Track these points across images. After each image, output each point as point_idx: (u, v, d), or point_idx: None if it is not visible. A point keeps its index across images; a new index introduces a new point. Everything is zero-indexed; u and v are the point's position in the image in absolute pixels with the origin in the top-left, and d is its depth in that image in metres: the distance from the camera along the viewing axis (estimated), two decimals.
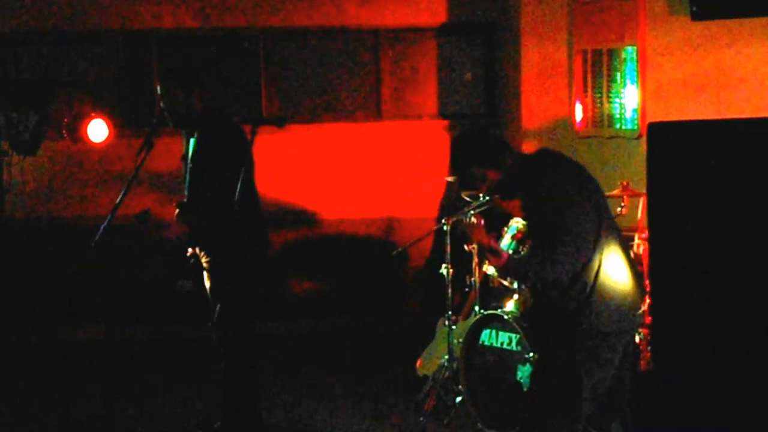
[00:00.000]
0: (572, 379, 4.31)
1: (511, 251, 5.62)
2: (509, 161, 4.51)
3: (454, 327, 6.29)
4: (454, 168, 4.70)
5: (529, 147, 7.67)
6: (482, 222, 4.48)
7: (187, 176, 5.65)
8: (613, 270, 4.35)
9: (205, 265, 5.68)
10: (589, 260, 4.30)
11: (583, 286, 4.31)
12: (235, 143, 5.45)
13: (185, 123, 5.63)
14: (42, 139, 8.10)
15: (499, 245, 4.46)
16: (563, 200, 4.30)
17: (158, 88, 5.65)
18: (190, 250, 5.72)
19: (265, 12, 8.90)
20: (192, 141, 5.60)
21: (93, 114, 7.91)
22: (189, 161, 5.61)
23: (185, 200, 5.68)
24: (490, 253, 4.36)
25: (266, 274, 5.87)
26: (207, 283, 5.71)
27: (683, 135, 3.18)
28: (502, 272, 4.51)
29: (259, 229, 5.72)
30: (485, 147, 4.57)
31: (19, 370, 7.74)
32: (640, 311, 4.51)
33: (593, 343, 4.32)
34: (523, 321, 5.74)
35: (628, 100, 7.75)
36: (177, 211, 5.64)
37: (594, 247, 4.31)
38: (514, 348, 5.74)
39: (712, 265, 3.01)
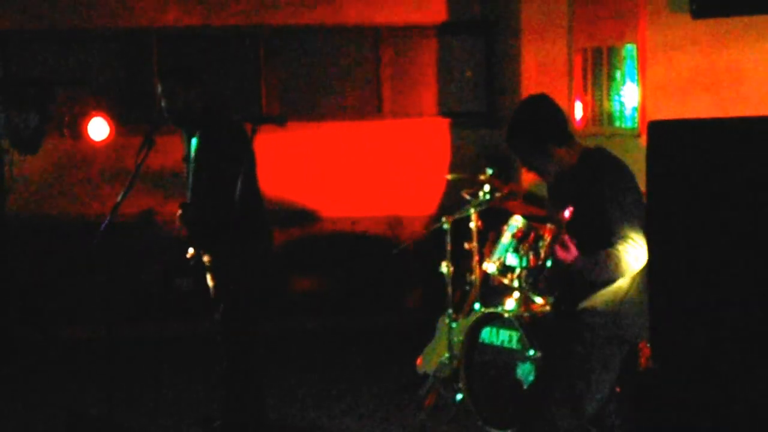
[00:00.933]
0: (582, 383, 4.29)
1: (511, 249, 5.62)
2: (558, 150, 4.38)
3: (454, 325, 6.30)
4: (526, 142, 4.44)
5: None
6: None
7: (190, 177, 5.66)
8: (644, 277, 4.34)
9: (207, 264, 5.69)
10: (642, 264, 4.28)
11: (616, 293, 4.29)
12: (235, 142, 5.46)
13: (185, 121, 5.64)
14: (43, 137, 8.10)
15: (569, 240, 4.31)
16: (628, 201, 4.26)
17: (158, 87, 5.65)
18: (191, 250, 5.73)
19: (265, 10, 8.91)
20: (194, 141, 5.61)
21: (94, 112, 7.91)
22: (191, 161, 5.62)
23: (188, 201, 5.69)
24: (561, 247, 4.25)
25: (269, 273, 5.88)
26: (210, 283, 5.71)
27: (683, 133, 3.18)
28: (569, 268, 4.35)
29: (262, 228, 5.72)
30: (564, 123, 4.41)
31: (20, 369, 7.74)
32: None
33: (610, 350, 4.31)
34: (525, 320, 5.75)
35: (628, 98, 7.76)
36: (179, 212, 5.65)
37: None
38: (515, 346, 5.74)
39: (712, 264, 3.01)
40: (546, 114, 4.47)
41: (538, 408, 4.47)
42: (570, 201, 4.39)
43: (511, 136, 4.49)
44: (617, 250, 4.22)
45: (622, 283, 4.32)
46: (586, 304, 4.33)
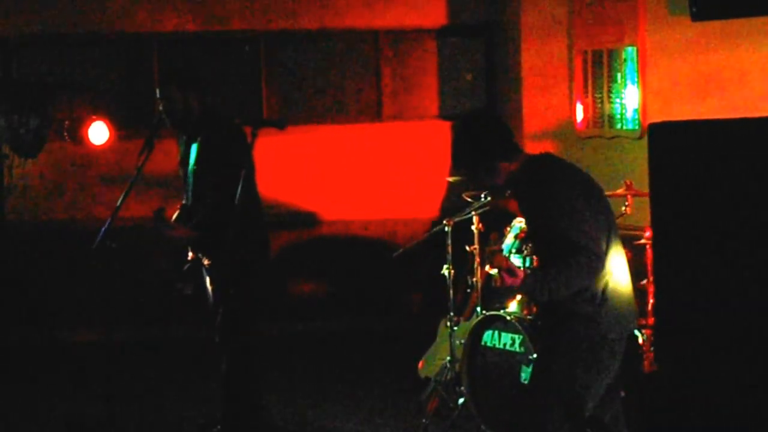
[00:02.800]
0: (574, 388, 4.27)
1: (514, 250, 5.61)
2: (504, 165, 4.30)
3: (456, 328, 6.28)
4: (470, 160, 4.37)
5: (530, 148, 7.61)
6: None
7: (190, 180, 5.65)
8: (620, 276, 4.30)
9: (207, 267, 5.68)
10: (601, 270, 4.21)
11: (593, 295, 4.23)
12: (235, 145, 5.45)
13: (184, 125, 5.63)
14: (43, 141, 8.10)
15: (514, 265, 4.30)
16: (576, 210, 4.15)
17: (157, 91, 5.65)
18: (190, 254, 5.72)
19: (265, 14, 8.91)
20: (194, 146, 5.60)
21: (94, 116, 7.91)
22: (192, 165, 5.61)
23: (188, 204, 5.69)
24: (506, 272, 4.22)
25: (268, 276, 5.87)
26: (209, 286, 5.70)
27: (684, 135, 3.18)
28: (520, 291, 4.31)
29: (261, 231, 5.72)
30: (507, 137, 4.35)
31: (21, 372, 7.74)
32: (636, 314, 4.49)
33: (598, 351, 4.28)
34: (527, 322, 5.74)
35: (628, 100, 7.76)
36: (177, 213, 5.65)
37: (605, 256, 4.21)
38: (517, 349, 5.73)
39: (714, 265, 3.01)
40: (485, 130, 4.40)
41: (531, 412, 4.44)
42: (524, 215, 4.36)
43: (456, 160, 4.43)
44: (568, 265, 4.10)
45: (593, 287, 4.25)
46: (565, 310, 4.28)
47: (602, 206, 4.31)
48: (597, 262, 4.16)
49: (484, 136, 4.36)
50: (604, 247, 4.20)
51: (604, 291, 4.22)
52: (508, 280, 4.21)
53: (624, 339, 4.36)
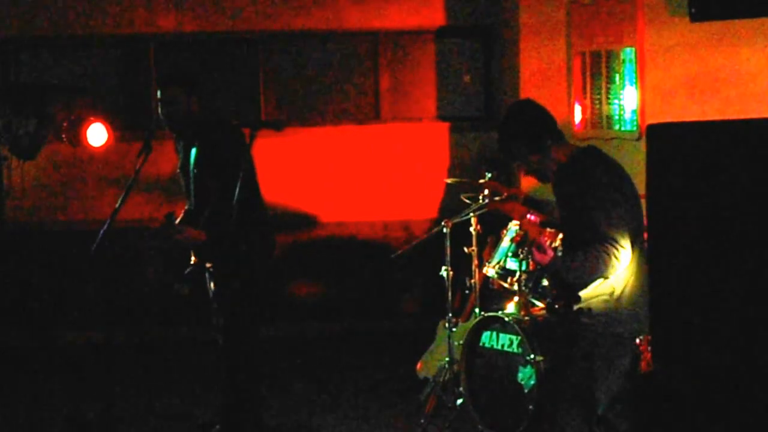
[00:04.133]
0: (588, 387, 4.30)
1: (510, 253, 5.62)
2: (555, 151, 4.48)
3: (454, 329, 6.29)
4: (502, 138, 4.60)
5: None
6: (536, 220, 4.48)
7: (191, 184, 5.64)
8: (640, 278, 4.35)
9: (209, 269, 5.68)
10: (624, 264, 4.32)
11: (612, 291, 4.31)
12: (234, 147, 5.45)
13: (183, 127, 5.63)
14: (42, 143, 8.10)
15: (546, 242, 4.39)
16: (612, 202, 4.30)
17: (158, 94, 5.64)
18: (193, 258, 5.72)
19: (263, 16, 8.91)
20: (193, 150, 5.59)
21: (92, 118, 7.91)
22: (192, 168, 5.60)
23: (191, 208, 5.68)
24: (537, 249, 4.33)
25: (270, 277, 5.87)
26: (211, 288, 5.70)
27: (683, 136, 3.18)
28: (547, 269, 4.43)
29: (264, 232, 5.71)
30: (541, 128, 4.52)
31: (20, 374, 7.74)
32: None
33: (612, 350, 4.31)
34: (526, 324, 5.74)
35: (627, 101, 7.76)
36: (181, 218, 5.65)
37: (630, 252, 4.31)
38: (515, 350, 5.73)
39: (712, 266, 3.01)
40: (537, 114, 4.58)
41: (546, 414, 4.46)
42: (562, 201, 4.45)
43: (507, 141, 4.54)
44: (596, 251, 4.25)
45: (614, 283, 4.33)
46: (582, 305, 4.35)
47: (637, 207, 4.42)
48: (622, 254, 4.28)
49: (538, 118, 4.56)
50: (630, 243, 4.29)
51: (623, 289, 4.30)
52: (537, 256, 4.32)
53: (634, 338, 4.39)
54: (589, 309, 4.34)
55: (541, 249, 4.29)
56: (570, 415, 4.32)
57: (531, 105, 4.68)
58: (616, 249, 4.25)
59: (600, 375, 4.31)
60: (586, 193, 4.33)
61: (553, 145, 4.49)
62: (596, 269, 4.25)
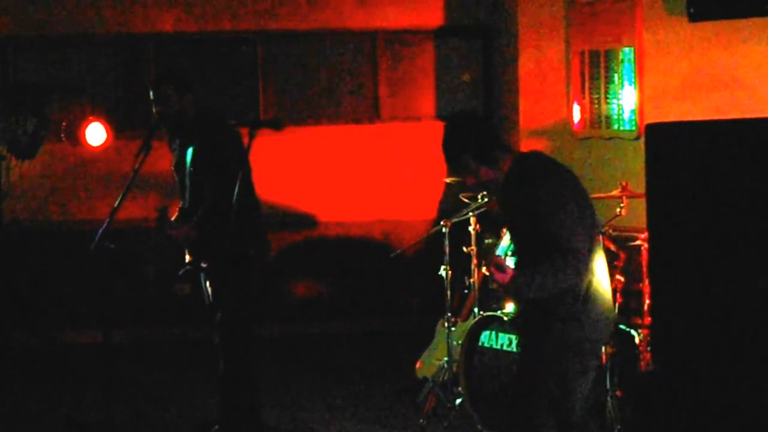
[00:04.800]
0: (560, 389, 4.28)
1: (510, 252, 5.62)
2: (502, 161, 4.32)
3: (453, 328, 6.29)
4: (444, 149, 4.45)
5: (527, 149, 7.66)
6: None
7: (187, 183, 5.64)
8: (601, 276, 4.30)
9: (205, 269, 5.68)
10: (586, 271, 4.21)
11: (576, 295, 4.22)
12: (231, 147, 5.45)
13: (178, 127, 5.63)
14: (40, 142, 8.10)
15: (504, 262, 4.23)
16: (566, 211, 4.16)
17: (151, 93, 5.64)
18: (188, 256, 5.72)
19: (262, 15, 8.91)
20: (190, 149, 5.60)
21: (91, 117, 7.91)
22: (189, 168, 5.61)
23: (186, 207, 5.69)
24: (497, 269, 4.14)
25: (266, 277, 5.87)
26: (208, 287, 5.70)
27: (681, 136, 3.19)
28: (507, 289, 4.23)
29: (259, 232, 5.71)
30: (482, 139, 4.35)
31: (19, 374, 7.73)
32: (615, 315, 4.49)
33: (582, 352, 4.28)
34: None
35: (625, 101, 7.76)
36: (175, 216, 5.65)
37: (589, 256, 4.22)
38: (514, 349, 5.73)
39: (710, 266, 3.01)
40: (484, 127, 4.45)
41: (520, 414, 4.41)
42: (512, 210, 4.34)
43: (456, 154, 4.42)
44: (557, 264, 4.11)
45: (579, 287, 4.24)
46: (548, 310, 4.27)
47: (588, 205, 4.32)
48: (584, 263, 4.18)
49: (477, 130, 4.39)
50: (589, 247, 4.22)
51: (587, 291, 4.23)
52: (498, 276, 4.13)
53: (602, 340, 4.37)
54: (555, 313, 4.24)
55: (501, 268, 4.12)
56: (546, 421, 4.30)
57: (475, 118, 4.59)
58: (577, 259, 4.13)
59: (575, 380, 4.28)
60: (538, 202, 4.17)
61: (500, 157, 4.33)
62: (558, 283, 4.12)
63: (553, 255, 4.10)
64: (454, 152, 4.41)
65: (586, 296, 4.22)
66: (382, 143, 9.05)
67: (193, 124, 5.59)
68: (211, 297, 5.71)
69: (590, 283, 4.24)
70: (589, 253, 4.21)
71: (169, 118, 5.57)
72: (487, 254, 4.18)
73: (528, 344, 4.43)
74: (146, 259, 8.57)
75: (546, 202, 4.17)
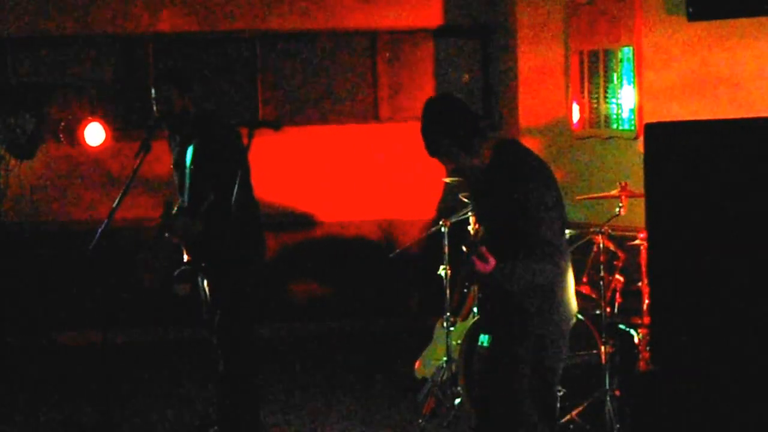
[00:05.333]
0: (544, 379, 4.31)
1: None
2: (482, 149, 4.28)
3: (452, 328, 6.29)
4: (423, 133, 4.44)
5: None
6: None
7: (187, 182, 5.64)
8: (568, 272, 4.33)
9: (203, 269, 5.67)
10: (563, 264, 4.25)
11: (543, 288, 4.22)
12: (230, 146, 5.45)
13: (179, 126, 5.63)
14: (39, 142, 8.10)
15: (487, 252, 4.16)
16: (548, 206, 4.17)
17: (153, 91, 5.64)
18: (186, 256, 5.71)
19: (261, 15, 8.90)
20: (190, 148, 5.59)
21: (90, 117, 7.91)
22: (189, 167, 5.60)
23: (185, 206, 5.68)
24: (479, 258, 4.07)
25: (264, 277, 5.87)
26: (206, 288, 5.70)
27: (680, 135, 3.18)
28: (487, 278, 4.16)
29: (257, 232, 5.71)
30: (462, 124, 4.31)
31: (18, 374, 7.73)
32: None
33: (556, 340, 4.29)
34: None
35: (624, 100, 7.76)
36: (175, 213, 5.64)
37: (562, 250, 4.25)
38: None
39: (709, 265, 3.01)
40: (464, 111, 4.39)
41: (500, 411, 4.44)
42: (489, 201, 4.30)
43: (434, 137, 4.40)
44: (535, 259, 4.11)
45: (550, 285, 4.25)
46: (515, 305, 4.27)
47: (560, 198, 4.32)
48: (564, 258, 4.22)
49: (457, 115, 4.35)
50: (564, 241, 4.26)
51: (555, 282, 4.23)
52: (479, 266, 4.07)
53: (570, 327, 4.38)
54: (524, 310, 4.25)
55: (483, 258, 4.04)
56: (531, 410, 4.31)
57: (455, 101, 4.48)
58: (558, 254, 4.16)
59: (553, 368, 4.30)
60: (528, 195, 4.15)
61: (480, 144, 4.30)
62: (537, 277, 4.13)
63: (535, 249, 4.10)
64: (434, 136, 4.39)
65: (553, 288, 4.24)
66: (382, 143, 9.05)
67: (193, 124, 5.59)
68: (209, 297, 5.71)
69: (561, 275, 4.26)
70: (562, 246, 4.25)
71: (170, 118, 5.57)
72: (471, 243, 4.07)
73: (501, 340, 4.39)
74: (156, 267, 8.56)
75: (535, 197, 4.15)
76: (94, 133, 7.88)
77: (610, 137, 7.83)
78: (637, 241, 6.04)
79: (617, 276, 5.96)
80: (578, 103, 8.14)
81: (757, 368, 2.94)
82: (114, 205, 5.16)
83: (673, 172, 3.14)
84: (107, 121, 8.00)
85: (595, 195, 6.32)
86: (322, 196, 8.98)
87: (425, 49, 9.19)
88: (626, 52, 7.70)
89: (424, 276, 7.72)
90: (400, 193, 8.98)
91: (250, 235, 5.58)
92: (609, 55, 7.87)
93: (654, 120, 3.36)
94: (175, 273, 5.73)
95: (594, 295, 5.87)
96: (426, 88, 9.20)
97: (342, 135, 9.05)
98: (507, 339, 4.33)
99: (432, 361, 6.48)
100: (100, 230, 5.06)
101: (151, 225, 5.63)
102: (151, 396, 7.02)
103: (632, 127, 7.65)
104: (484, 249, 4.07)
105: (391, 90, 9.18)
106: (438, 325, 6.57)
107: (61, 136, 7.94)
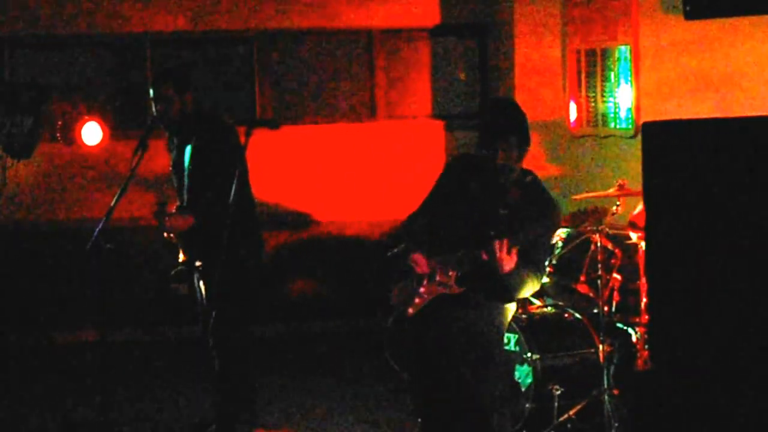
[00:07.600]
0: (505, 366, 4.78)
1: None
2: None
3: None
4: (518, 123, 4.47)
5: None
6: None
7: (185, 182, 5.64)
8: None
9: (199, 269, 5.67)
10: None
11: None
12: (228, 145, 5.46)
13: (178, 125, 5.63)
14: (36, 142, 8.08)
15: None
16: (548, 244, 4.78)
17: (151, 91, 5.64)
18: (182, 256, 5.72)
19: (258, 14, 8.90)
20: (188, 148, 5.60)
21: (87, 117, 7.90)
22: (187, 166, 5.60)
23: (183, 206, 5.68)
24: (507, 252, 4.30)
25: (261, 277, 5.87)
26: (202, 288, 5.70)
27: (678, 134, 3.18)
28: (505, 277, 4.35)
29: (254, 232, 5.72)
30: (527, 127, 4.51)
31: (16, 373, 7.73)
32: None
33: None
34: (523, 322, 5.74)
35: (622, 99, 7.76)
36: (174, 210, 5.65)
37: None
38: (513, 348, 5.73)
39: (708, 265, 3.01)
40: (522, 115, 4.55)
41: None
42: (512, 214, 4.44)
43: (512, 133, 4.46)
44: (535, 274, 4.43)
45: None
46: (476, 301, 4.56)
47: None
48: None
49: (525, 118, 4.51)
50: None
51: None
52: (506, 261, 4.28)
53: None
54: (493, 305, 4.57)
55: (510, 253, 4.25)
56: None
57: (516, 106, 4.67)
58: (543, 273, 4.64)
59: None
60: (552, 219, 4.42)
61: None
62: (531, 288, 4.46)
63: (530, 265, 4.35)
64: (528, 137, 4.48)
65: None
66: (379, 142, 9.05)
67: (191, 123, 5.59)
68: (205, 297, 5.71)
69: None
70: None
71: (169, 117, 5.57)
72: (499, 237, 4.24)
73: (484, 312, 4.56)
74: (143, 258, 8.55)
75: (555, 223, 4.46)
76: (92, 133, 7.87)
77: (608, 136, 7.83)
78: (634, 240, 6.04)
79: (615, 275, 5.97)
80: (575, 102, 8.14)
81: (756, 367, 2.94)
82: (112, 203, 5.16)
83: (670, 170, 3.14)
84: (104, 120, 7.99)
85: (593, 194, 6.32)
86: (320, 196, 8.98)
87: (422, 47, 9.19)
88: (623, 50, 7.70)
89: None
90: (398, 192, 8.98)
91: (248, 235, 5.58)
92: (606, 53, 7.88)
93: (651, 119, 3.36)
94: (171, 273, 5.73)
95: (592, 294, 5.87)
96: (423, 87, 9.20)
97: (339, 134, 9.05)
98: (489, 311, 4.55)
99: None
100: (97, 229, 5.07)
101: (149, 225, 5.63)
102: (148, 395, 7.02)
103: (629, 126, 7.66)
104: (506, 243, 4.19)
105: (388, 89, 9.18)
106: None
107: (58, 135, 7.93)
